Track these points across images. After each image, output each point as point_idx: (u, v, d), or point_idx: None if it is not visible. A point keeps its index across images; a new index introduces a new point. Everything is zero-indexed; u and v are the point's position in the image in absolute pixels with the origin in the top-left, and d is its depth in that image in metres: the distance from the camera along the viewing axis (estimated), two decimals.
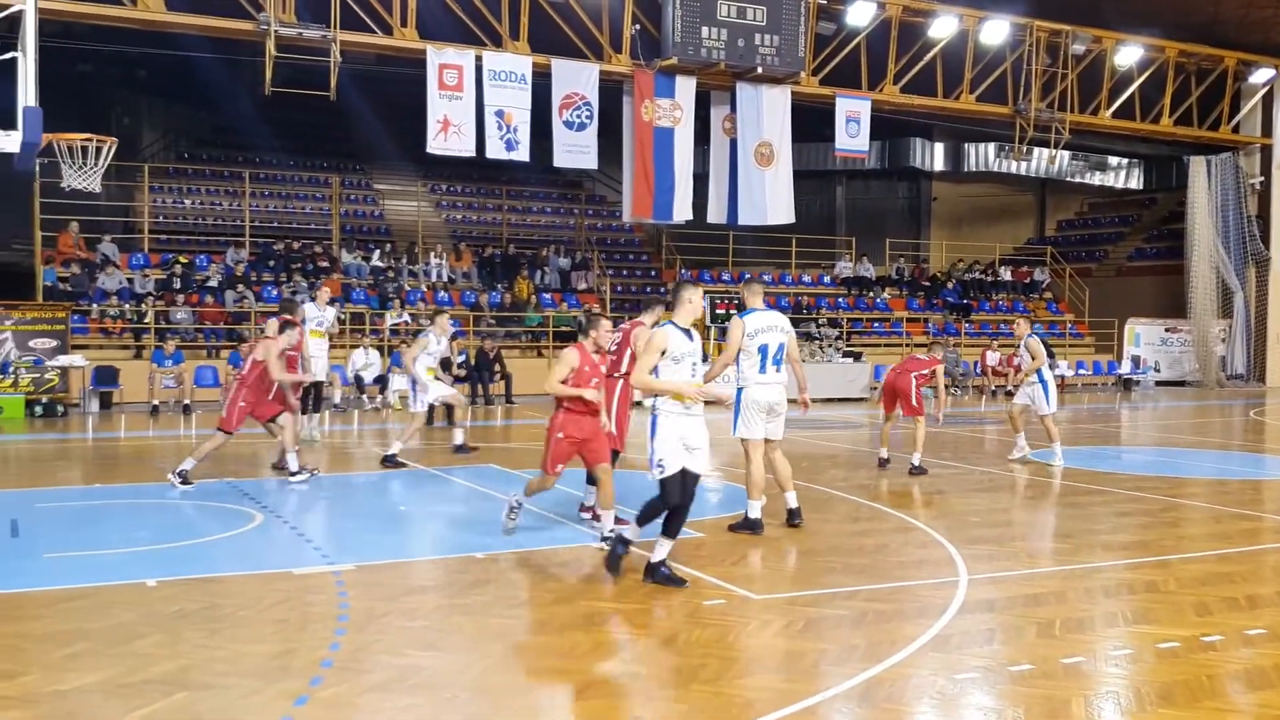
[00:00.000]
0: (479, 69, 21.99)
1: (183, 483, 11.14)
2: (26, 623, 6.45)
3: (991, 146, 38.62)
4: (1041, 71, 28.09)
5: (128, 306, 22.97)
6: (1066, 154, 37.57)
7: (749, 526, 9.16)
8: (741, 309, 9.53)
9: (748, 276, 26.12)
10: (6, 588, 7.27)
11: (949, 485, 12.29)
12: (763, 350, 9.19)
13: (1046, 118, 28.32)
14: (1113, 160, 41.16)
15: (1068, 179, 41.13)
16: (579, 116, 23.02)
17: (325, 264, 26.76)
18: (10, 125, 10.62)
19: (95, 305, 22.46)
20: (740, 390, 9.32)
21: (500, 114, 22.20)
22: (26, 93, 10.31)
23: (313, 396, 15.57)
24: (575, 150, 23.29)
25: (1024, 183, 40.69)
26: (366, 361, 22.41)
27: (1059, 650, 6.06)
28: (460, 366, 21.78)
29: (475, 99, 21.93)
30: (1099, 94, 29.32)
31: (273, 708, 5.07)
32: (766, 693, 5.29)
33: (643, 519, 7.47)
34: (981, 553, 8.55)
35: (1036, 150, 32.26)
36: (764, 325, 9.21)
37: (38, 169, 20.25)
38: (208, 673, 5.53)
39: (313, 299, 16.34)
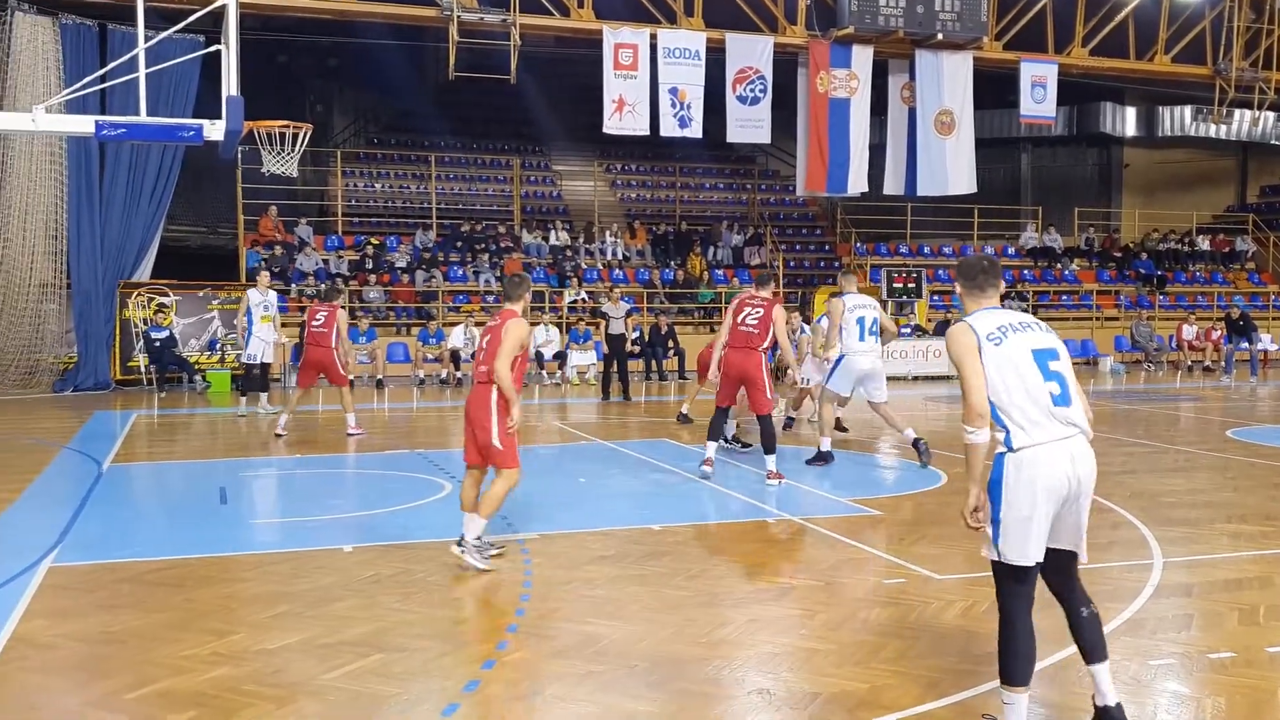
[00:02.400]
0: (653, 47, 22.10)
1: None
2: (235, 584, 6.90)
3: (1188, 109, 36.46)
4: (1245, 28, 26.32)
5: (324, 286, 24.09)
6: (1271, 115, 35.05)
7: (821, 459, 11.35)
8: (839, 294, 11.74)
9: (841, 265, 26.49)
10: (217, 551, 7.79)
11: (1143, 465, 11.76)
12: (860, 323, 11.27)
13: (1249, 77, 26.55)
14: None
15: (1273, 142, 38.45)
16: (753, 91, 22.88)
17: (508, 244, 27.47)
18: (215, 115, 11.24)
19: (294, 285, 23.64)
20: (841, 356, 11.35)
21: (674, 91, 22.27)
22: (229, 83, 10.88)
23: (259, 378, 16.65)
24: (749, 125, 23.17)
25: (1224, 147, 38.21)
26: (547, 338, 22.92)
27: (1263, 638, 5.76)
28: (634, 343, 22.03)
29: (650, 77, 22.06)
30: None
31: (462, 670, 5.29)
32: (949, 674, 5.22)
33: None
34: (1177, 535, 8.17)
35: (1238, 112, 30.29)
36: (859, 304, 11.40)
37: (239, 156, 21.45)
38: (401, 635, 5.81)
39: (254, 285, 16.58)
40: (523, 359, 7.28)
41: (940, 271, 29.58)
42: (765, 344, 10.40)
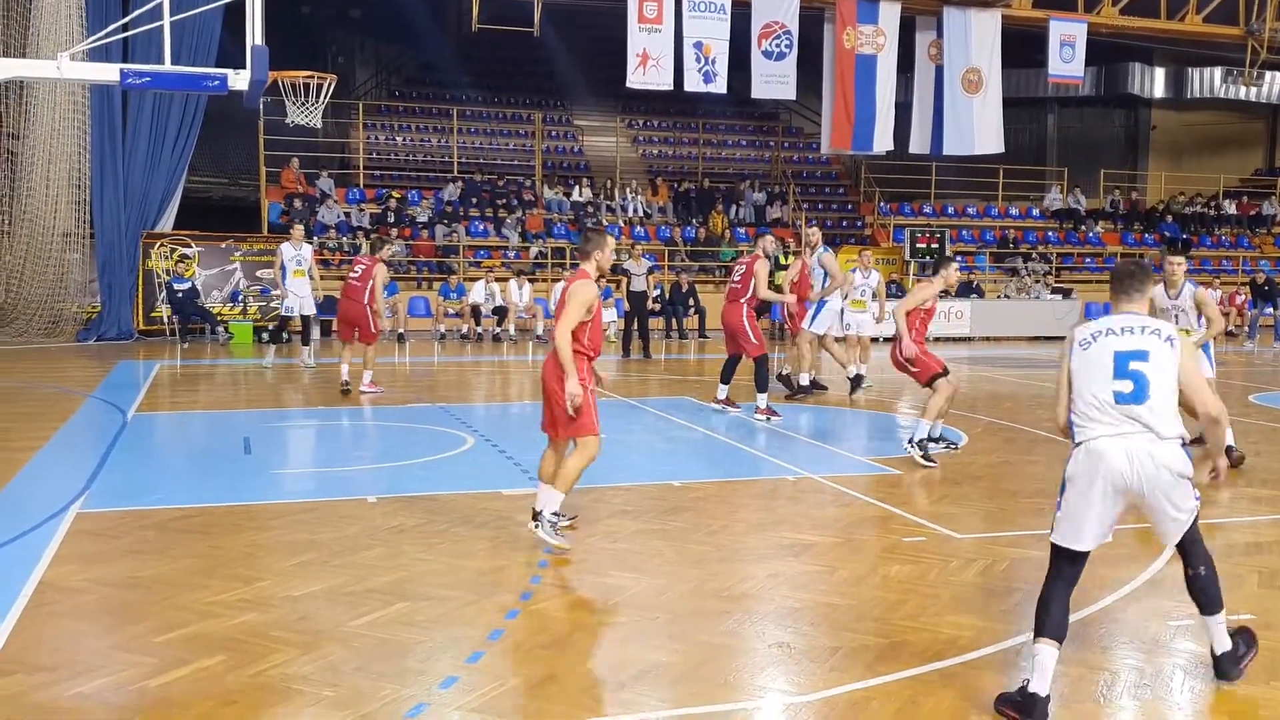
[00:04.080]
0: (678, 0, 21.88)
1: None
2: (260, 533, 6.98)
3: (1218, 71, 35.92)
4: None
5: (345, 239, 24.14)
6: None
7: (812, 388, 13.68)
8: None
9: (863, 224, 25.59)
10: (241, 500, 7.87)
11: None
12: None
13: None
14: None
15: None
16: (778, 46, 22.66)
17: (529, 199, 27.41)
18: (237, 65, 11.22)
19: (315, 238, 23.69)
20: (824, 302, 13.82)
21: (699, 45, 22.07)
22: (254, 33, 10.86)
23: (303, 331, 16.58)
24: (774, 81, 22.98)
25: (1254, 109, 37.62)
26: None
27: None
28: (655, 300, 22.02)
29: (674, 31, 21.86)
30: None
31: (485, 619, 5.34)
32: (969, 630, 5.24)
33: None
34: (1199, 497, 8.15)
35: (1269, 74, 29.84)
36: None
37: (261, 108, 21.42)
38: (425, 584, 5.87)
39: (289, 239, 16.41)
40: (594, 324, 6.65)
41: (964, 232, 29.39)
42: (745, 296, 11.89)
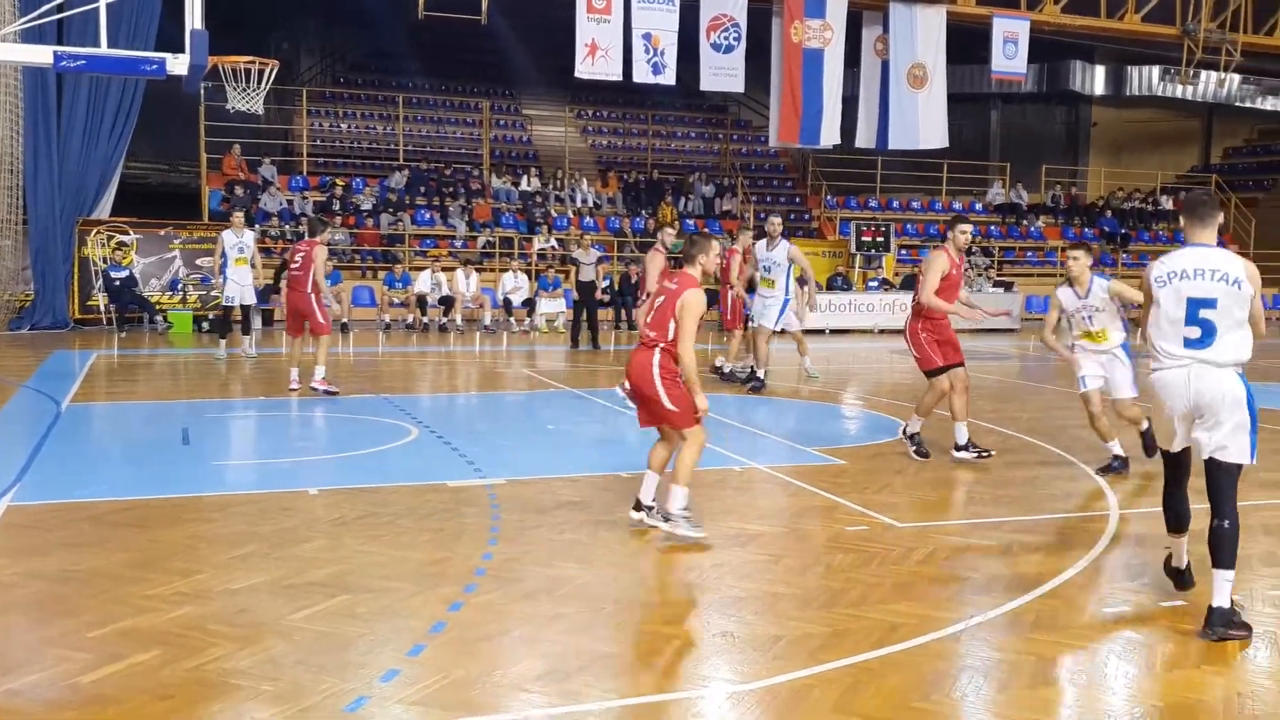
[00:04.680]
0: None
1: None
2: (199, 525, 6.86)
3: (1156, 70, 36.60)
4: None
5: (288, 227, 23.83)
6: (1237, 77, 35.26)
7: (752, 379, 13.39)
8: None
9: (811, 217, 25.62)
10: (180, 492, 7.74)
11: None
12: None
13: (1217, 38, 26.63)
14: None
15: (1237, 104, 38.64)
16: (727, 38, 22.70)
17: (477, 188, 27.23)
18: (178, 50, 11.02)
19: (257, 226, 23.35)
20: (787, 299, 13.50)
21: (648, 37, 22.04)
22: (194, 16, 10.69)
23: (244, 320, 16.40)
24: (722, 73, 23.01)
25: (1190, 107, 38.38)
26: (515, 285, 22.81)
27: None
28: (604, 291, 21.99)
29: (624, 22, 21.81)
30: (1276, 13, 27.38)
31: (429, 611, 5.30)
32: (910, 618, 5.29)
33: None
34: (1134, 486, 8.31)
35: (1204, 73, 30.42)
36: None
37: (203, 93, 21.08)
38: (367, 576, 5.81)
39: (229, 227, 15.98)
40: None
41: (909, 226, 29.66)
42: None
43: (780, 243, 13.39)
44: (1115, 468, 8.78)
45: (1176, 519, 5.53)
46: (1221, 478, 5.18)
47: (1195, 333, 5.20)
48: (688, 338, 6.46)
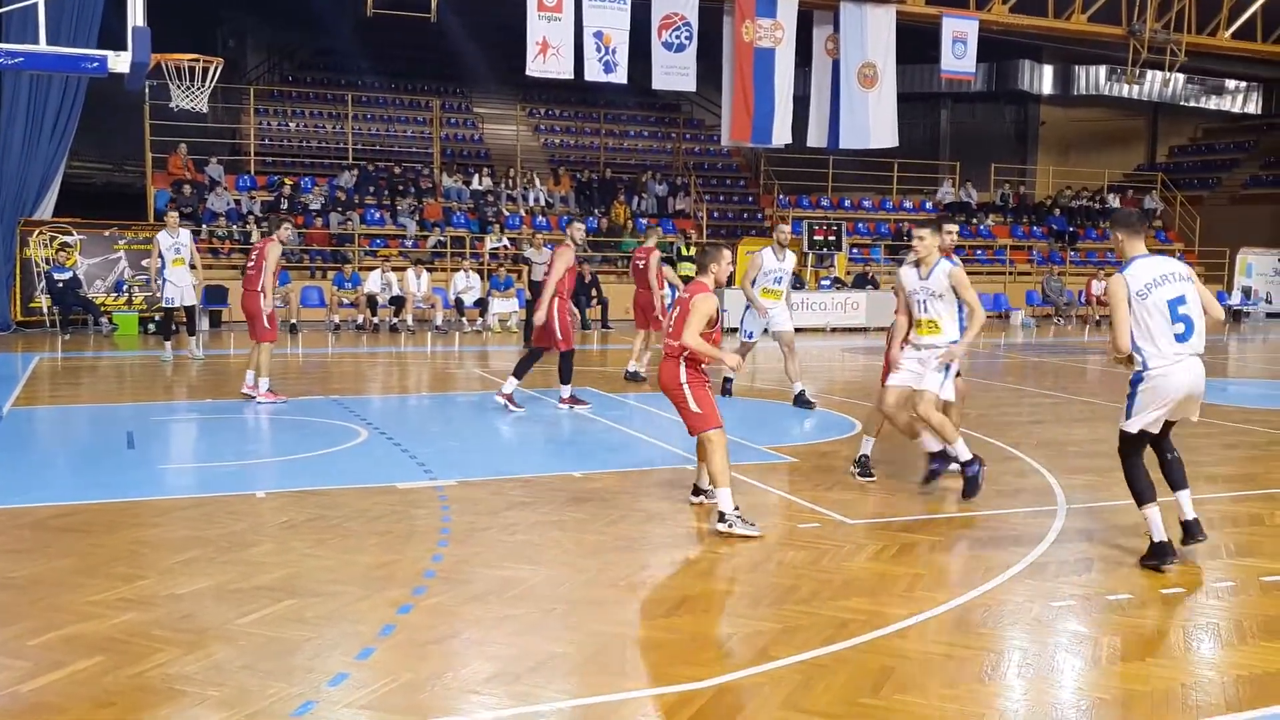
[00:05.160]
0: None
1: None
2: (143, 529, 6.76)
3: (1103, 69, 37.12)
4: None
5: (235, 227, 23.53)
6: (1181, 77, 35.92)
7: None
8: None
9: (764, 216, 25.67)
10: (124, 496, 7.62)
11: (1049, 415, 12.07)
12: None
13: (1162, 39, 27.05)
14: (1230, 84, 39.22)
15: (1182, 103, 39.35)
16: (678, 37, 22.71)
17: (427, 187, 27.03)
18: (121, 47, 10.83)
19: (204, 226, 23.03)
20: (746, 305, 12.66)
21: (599, 35, 22.00)
22: (135, 13, 10.51)
23: (188, 321, 16.20)
24: (674, 72, 23.00)
25: (1136, 107, 39.02)
26: (467, 285, 22.69)
27: (1159, 581, 5.98)
28: None
29: (574, 20, 21.75)
30: (1218, 14, 27.86)
31: (378, 614, 5.25)
32: (860, 614, 5.32)
33: None
34: (1081, 482, 8.42)
35: (1150, 73, 30.90)
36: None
37: (147, 92, 20.74)
38: (315, 580, 5.75)
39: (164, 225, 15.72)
40: (716, 334, 7.03)
41: (860, 225, 29.84)
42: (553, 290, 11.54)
43: (789, 252, 12.52)
44: (936, 470, 8.13)
45: (1149, 488, 6.18)
46: (1170, 428, 6.27)
47: (1181, 328, 6.02)
48: (691, 327, 6.86)
